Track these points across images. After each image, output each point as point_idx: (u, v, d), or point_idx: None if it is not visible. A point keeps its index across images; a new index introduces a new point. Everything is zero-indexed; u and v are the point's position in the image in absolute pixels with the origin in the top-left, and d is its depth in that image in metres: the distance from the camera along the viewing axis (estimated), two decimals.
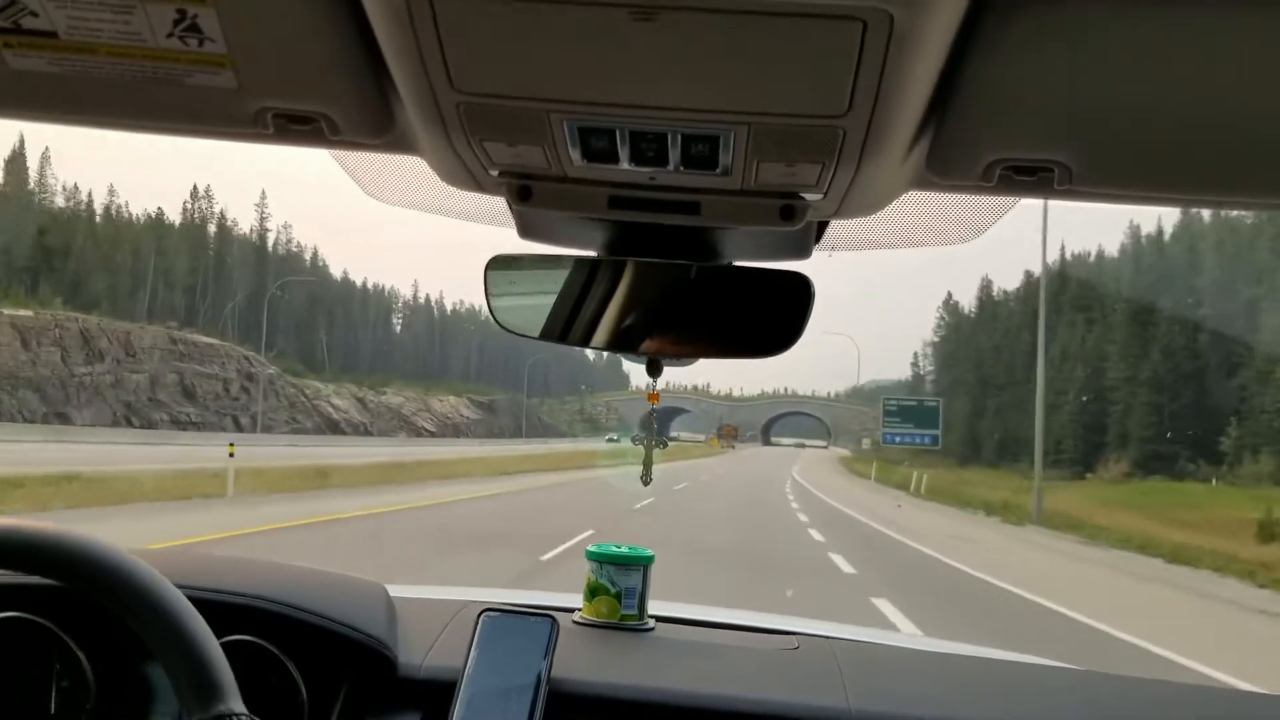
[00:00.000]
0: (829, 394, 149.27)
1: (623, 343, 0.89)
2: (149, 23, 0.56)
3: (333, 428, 66.47)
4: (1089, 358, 57.51)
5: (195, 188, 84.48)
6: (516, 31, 0.52)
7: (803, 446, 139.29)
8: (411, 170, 0.80)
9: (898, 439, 51.79)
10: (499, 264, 0.92)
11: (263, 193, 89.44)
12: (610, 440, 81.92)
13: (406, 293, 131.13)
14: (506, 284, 0.92)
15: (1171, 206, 0.60)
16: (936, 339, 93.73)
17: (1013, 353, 73.48)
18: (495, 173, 0.70)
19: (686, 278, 0.86)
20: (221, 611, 0.99)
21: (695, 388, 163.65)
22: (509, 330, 0.93)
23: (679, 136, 0.61)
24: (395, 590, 1.30)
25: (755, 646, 1.34)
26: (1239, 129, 0.59)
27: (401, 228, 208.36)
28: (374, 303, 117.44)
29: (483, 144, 0.65)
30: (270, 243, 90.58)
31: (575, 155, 0.64)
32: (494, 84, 0.57)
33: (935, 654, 1.51)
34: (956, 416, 79.39)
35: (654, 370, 0.95)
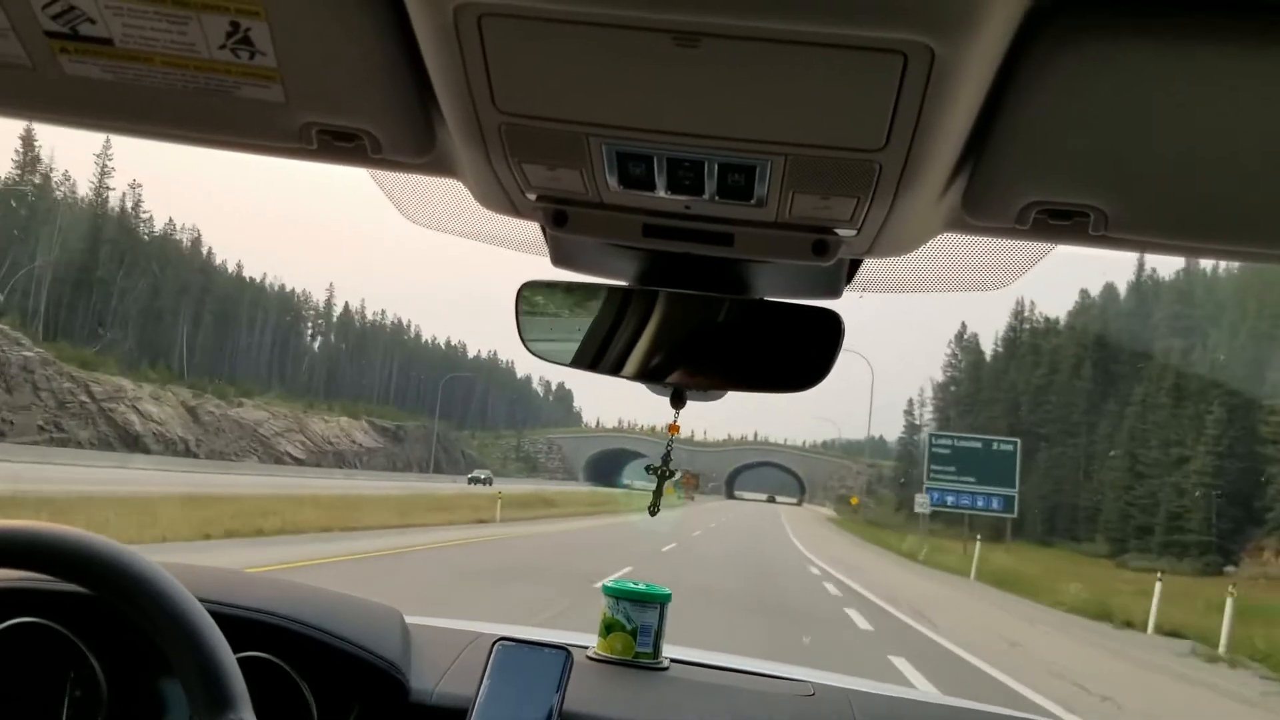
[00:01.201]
0: (804, 443, 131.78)
1: (651, 373, 0.89)
2: (203, 34, 0.56)
3: (130, 442, 46.93)
4: (1222, 397, 39.95)
5: (26, 131, 64.76)
6: (560, 53, 0.52)
7: (774, 502, 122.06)
8: (448, 194, 0.81)
9: (950, 499, 33.47)
10: (531, 290, 0.93)
11: (106, 141, 68.61)
12: (474, 481, 62.90)
13: (321, 298, 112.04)
14: (537, 310, 0.94)
15: (1211, 258, 0.62)
16: (944, 378, 76.54)
17: (1068, 394, 56.23)
18: (533, 197, 0.70)
19: (717, 311, 0.87)
20: (237, 626, 1.01)
21: (653, 428, 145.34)
22: (538, 356, 0.94)
23: (715, 165, 0.61)
24: (411, 619, 1.29)
25: (770, 691, 1.31)
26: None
27: (322, 227, 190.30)
28: (276, 305, 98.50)
29: (522, 166, 0.65)
30: (139, 217, 71.20)
31: (612, 181, 0.64)
32: (536, 105, 0.57)
33: (950, 708, 1.43)
34: None
35: (678, 402, 0.94)
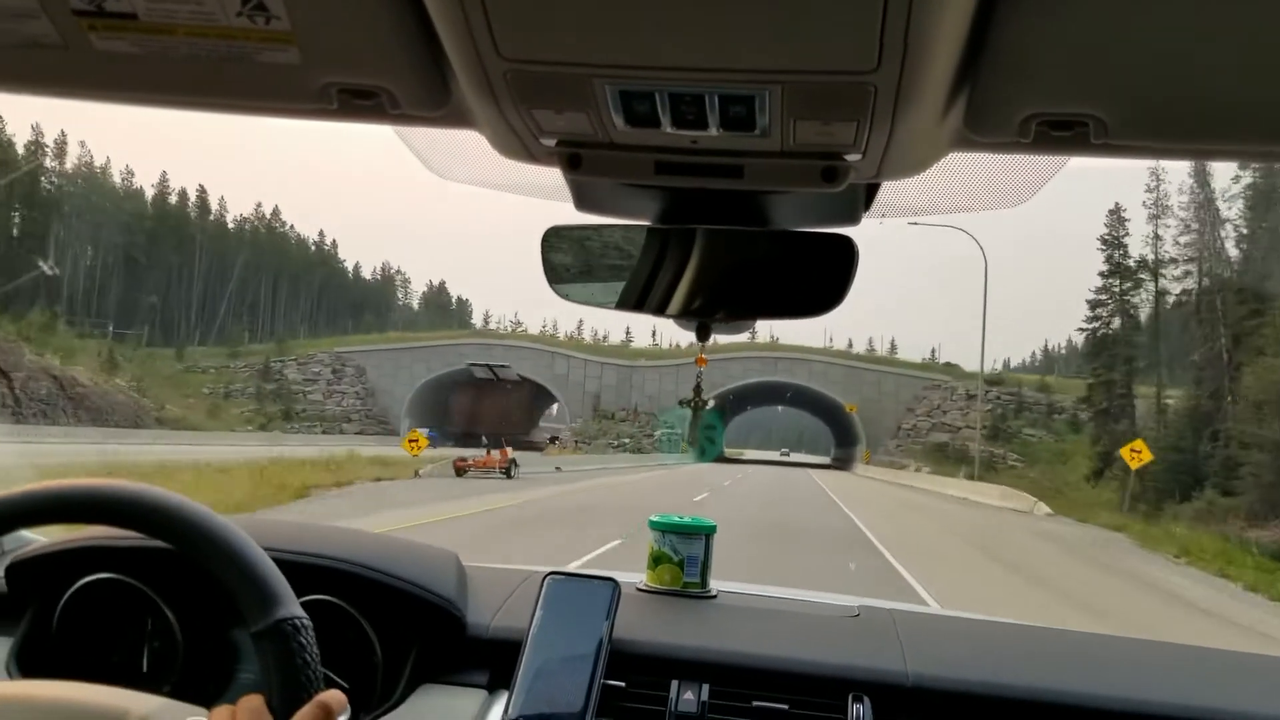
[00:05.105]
0: (849, 344, 72.69)
1: (674, 307, 0.91)
2: (219, 2, 0.58)
3: None
4: None
5: None
6: None
7: (788, 461, 63.89)
8: (472, 146, 0.82)
9: None
10: (555, 235, 0.95)
11: None
12: None
13: None
14: (562, 254, 0.96)
15: (1209, 160, 0.65)
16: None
17: None
18: (550, 143, 0.72)
19: (741, 243, 0.89)
20: (302, 572, 1.09)
21: (569, 336, 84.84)
22: (569, 300, 0.96)
23: (716, 98, 0.62)
24: (468, 563, 1.39)
25: (816, 614, 1.39)
26: (1276, 78, 0.57)
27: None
28: None
29: (531, 112, 0.66)
30: None
31: (619, 120, 0.65)
32: (538, 49, 0.58)
33: (994, 623, 1.49)
34: None
35: (703, 334, 0.95)
